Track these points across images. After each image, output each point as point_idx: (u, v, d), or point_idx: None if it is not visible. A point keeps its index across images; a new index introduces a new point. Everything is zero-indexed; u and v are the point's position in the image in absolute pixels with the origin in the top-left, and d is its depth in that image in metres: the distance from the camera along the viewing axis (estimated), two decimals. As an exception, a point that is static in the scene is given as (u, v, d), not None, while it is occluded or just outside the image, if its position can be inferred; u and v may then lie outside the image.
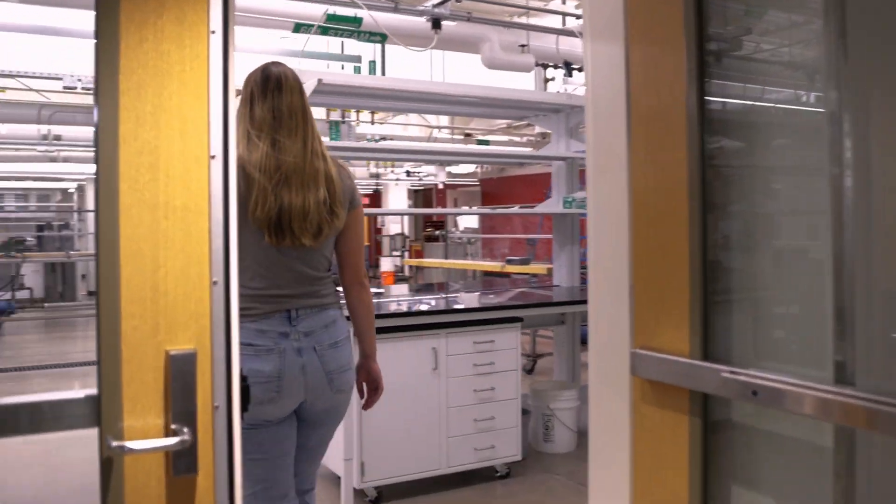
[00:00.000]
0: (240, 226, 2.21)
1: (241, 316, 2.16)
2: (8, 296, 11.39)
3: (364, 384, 2.69)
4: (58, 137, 9.76)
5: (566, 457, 4.77)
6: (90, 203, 14.27)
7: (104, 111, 1.29)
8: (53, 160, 11.77)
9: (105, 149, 1.28)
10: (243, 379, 1.43)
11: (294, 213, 2.30)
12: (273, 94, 2.36)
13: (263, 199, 2.28)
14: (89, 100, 9.92)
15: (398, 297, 5.43)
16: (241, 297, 2.20)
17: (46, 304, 12.97)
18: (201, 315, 1.34)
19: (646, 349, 1.56)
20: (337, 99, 4.78)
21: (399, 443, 3.98)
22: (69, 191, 16.38)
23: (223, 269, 1.36)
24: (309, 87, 4.17)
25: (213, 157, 1.35)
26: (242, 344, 2.17)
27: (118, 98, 1.29)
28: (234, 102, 1.38)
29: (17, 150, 12.48)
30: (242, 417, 1.41)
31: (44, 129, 9.49)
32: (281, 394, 2.33)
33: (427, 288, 7.27)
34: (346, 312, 2.59)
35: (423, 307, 4.56)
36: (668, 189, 1.50)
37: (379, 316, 4.05)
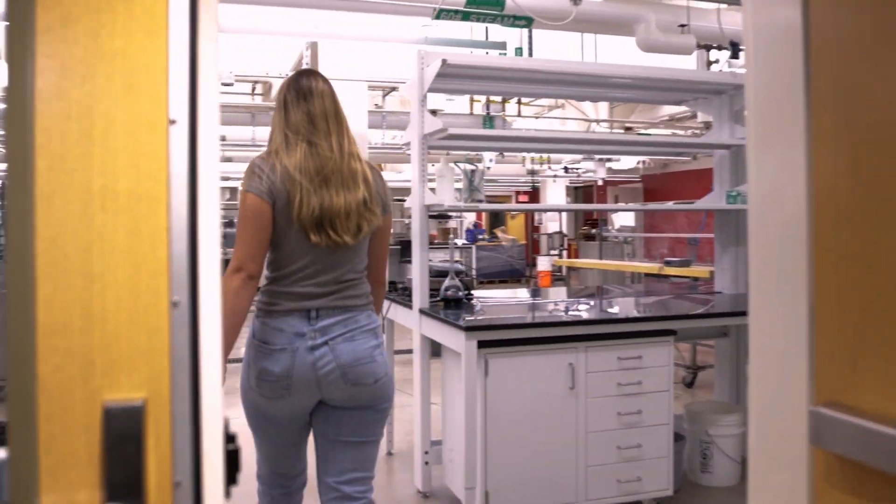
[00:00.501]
0: (282, 225, 2.38)
1: (264, 311, 2.41)
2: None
3: None
4: (223, 138, 9.91)
5: (727, 491, 4.12)
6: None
7: (14, 58, 0.90)
8: (228, 160, 12.04)
9: (15, 112, 0.90)
10: (230, 439, 1.01)
11: (335, 213, 2.37)
12: (305, 99, 2.46)
13: (307, 199, 2.35)
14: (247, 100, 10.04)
15: (540, 301, 4.95)
16: (267, 292, 2.43)
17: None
18: (156, 350, 0.93)
19: (834, 408, 1.02)
20: (468, 83, 4.33)
21: (529, 471, 3.50)
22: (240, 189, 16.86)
23: (188, 284, 0.94)
24: (433, 69, 3.77)
25: (173, 122, 0.93)
26: (259, 341, 2.39)
27: (34, 39, 0.90)
28: (208, 48, 0.96)
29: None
30: (227, 493, 1.00)
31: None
32: (290, 391, 2.38)
33: (576, 292, 6.71)
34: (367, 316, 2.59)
35: (559, 315, 4.05)
36: (875, 175, 0.95)
37: (503, 326, 3.60)
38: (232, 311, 2.29)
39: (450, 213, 17.57)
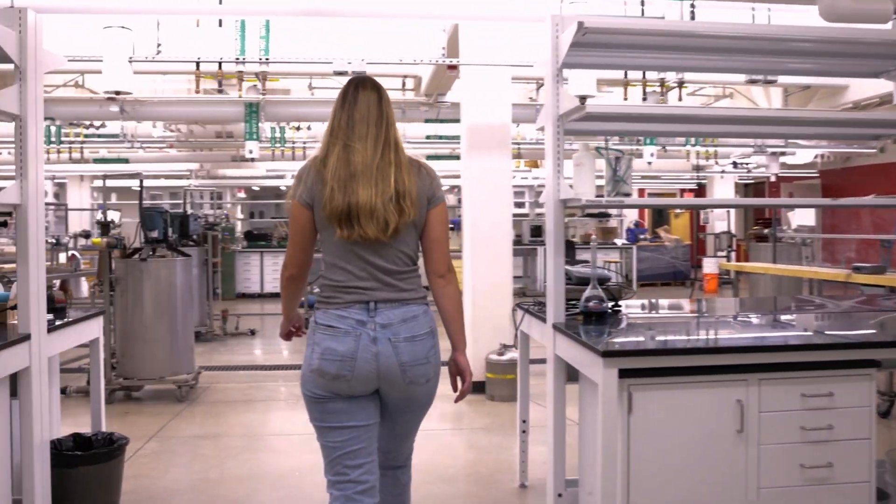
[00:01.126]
0: (322, 226, 2.59)
1: (325, 303, 2.59)
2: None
3: (457, 377, 2.71)
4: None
5: (948, 567, 3.23)
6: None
7: None
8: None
9: None
10: None
11: (361, 208, 2.45)
12: (350, 104, 2.57)
13: (331, 197, 2.46)
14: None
15: (703, 317, 4.19)
16: (326, 287, 2.61)
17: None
18: None
19: None
20: (613, 55, 3.54)
21: (684, 532, 2.80)
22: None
23: None
24: (568, 36, 3.12)
25: None
26: (324, 325, 2.54)
27: None
28: None
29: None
30: None
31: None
32: (354, 374, 2.47)
33: (748, 305, 5.81)
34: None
35: (724, 337, 3.30)
36: None
37: (652, 352, 2.91)
38: (282, 295, 2.75)
39: (609, 211, 16.68)
